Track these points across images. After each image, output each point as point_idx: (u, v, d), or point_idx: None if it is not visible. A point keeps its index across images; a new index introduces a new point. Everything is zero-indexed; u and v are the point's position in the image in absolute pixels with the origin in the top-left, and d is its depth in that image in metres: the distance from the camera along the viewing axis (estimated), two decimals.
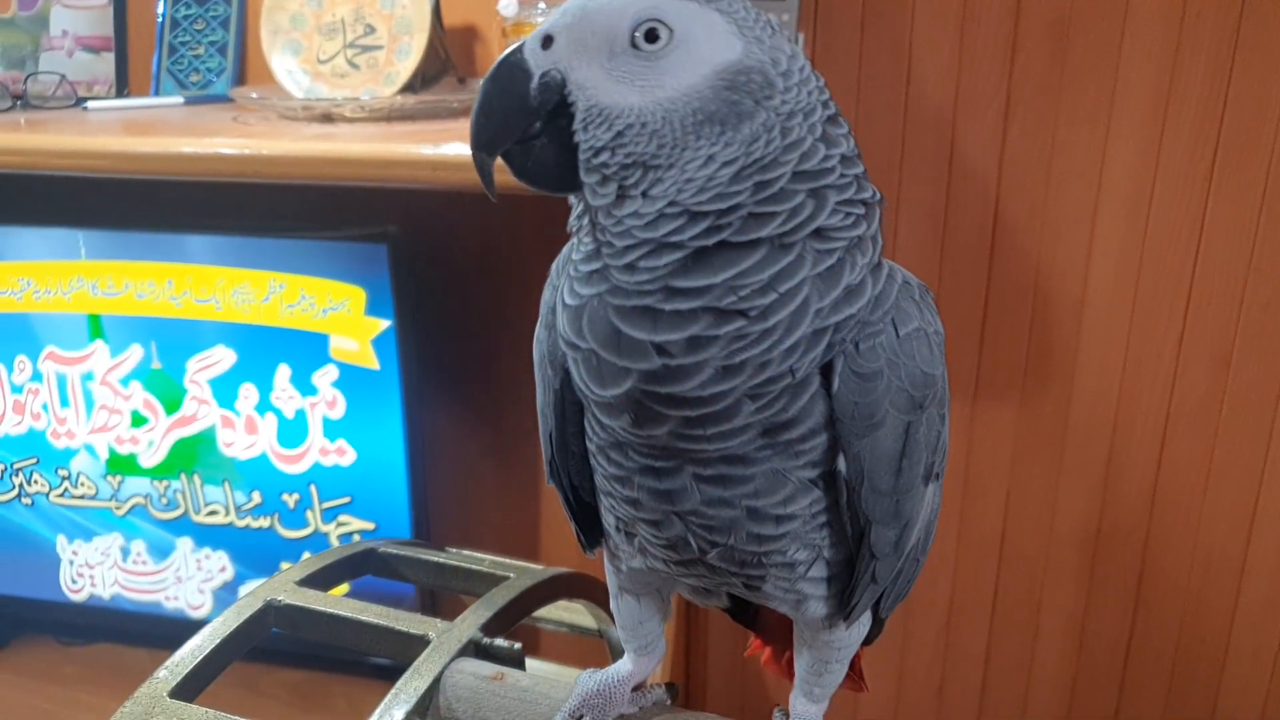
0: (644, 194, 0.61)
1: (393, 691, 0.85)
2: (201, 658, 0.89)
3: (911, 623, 1.68)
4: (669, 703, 0.88)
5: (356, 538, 1.81)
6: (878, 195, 0.66)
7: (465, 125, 1.58)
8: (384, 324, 1.72)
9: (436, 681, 0.87)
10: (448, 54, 1.69)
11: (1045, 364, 1.57)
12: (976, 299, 1.58)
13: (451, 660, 0.88)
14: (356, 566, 1.06)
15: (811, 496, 0.68)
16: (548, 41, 0.61)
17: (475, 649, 0.91)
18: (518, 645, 0.92)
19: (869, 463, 0.66)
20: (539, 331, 0.76)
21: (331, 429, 1.78)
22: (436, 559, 1.07)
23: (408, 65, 1.60)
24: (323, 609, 0.95)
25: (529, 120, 0.61)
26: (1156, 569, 1.59)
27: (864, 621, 0.80)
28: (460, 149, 1.36)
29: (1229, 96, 1.40)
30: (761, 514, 0.68)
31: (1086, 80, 1.45)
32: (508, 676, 0.87)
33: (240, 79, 1.86)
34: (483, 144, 0.62)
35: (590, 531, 0.82)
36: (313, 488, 1.81)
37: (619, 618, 0.86)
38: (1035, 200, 1.52)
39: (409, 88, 1.61)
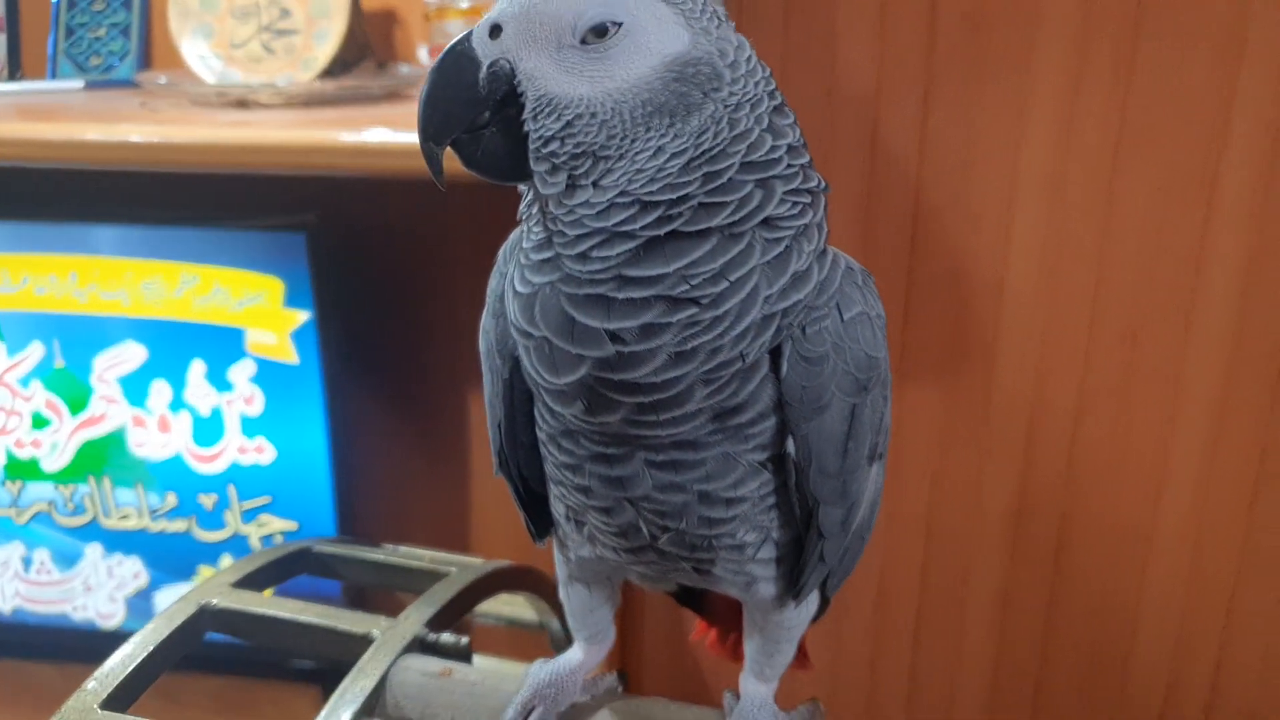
0: (594, 184, 0.61)
1: (338, 691, 0.83)
2: (133, 667, 0.85)
3: (844, 600, 1.71)
4: (619, 690, 0.88)
5: (279, 539, 1.77)
6: (823, 184, 0.68)
7: (386, 111, 1.56)
8: (303, 316, 1.68)
9: (383, 680, 0.85)
10: (366, 38, 1.65)
11: (967, 346, 1.61)
12: (899, 284, 1.61)
13: (397, 658, 0.86)
14: (291, 566, 1.03)
15: (761, 479, 0.69)
16: (495, 31, 0.60)
17: (421, 645, 0.90)
18: (465, 640, 0.91)
19: (816, 444, 0.67)
20: (486, 321, 0.75)
21: (250, 426, 1.73)
22: (374, 557, 1.05)
23: (326, 50, 1.56)
24: (260, 611, 0.92)
25: (478, 110, 0.61)
26: (1073, 541, 1.65)
27: (812, 601, 0.81)
28: (383, 135, 1.34)
29: (1131, 85, 1.45)
30: (712, 497, 0.69)
31: (1002, 70, 1.49)
32: (456, 671, 0.86)
33: (145, 63, 1.79)
34: (431, 134, 0.62)
35: (539, 521, 0.81)
36: (231, 488, 1.76)
37: (569, 606, 0.86)
38: (955, 186, 1.55)
39: (328, 73, 1.57)
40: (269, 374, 1.71)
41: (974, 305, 1.59)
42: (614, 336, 0.61)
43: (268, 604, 0.93)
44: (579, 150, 0.60)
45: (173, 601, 0.93)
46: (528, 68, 0.60)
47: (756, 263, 0.62)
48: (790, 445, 0.67)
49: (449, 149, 0.64)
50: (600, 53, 0.60)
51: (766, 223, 0.63)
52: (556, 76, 0.60)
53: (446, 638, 0.90)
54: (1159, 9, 1.40)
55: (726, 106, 0.62)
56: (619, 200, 0.61)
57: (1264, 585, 1.59)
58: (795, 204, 0.64)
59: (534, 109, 0.60)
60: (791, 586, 0.76)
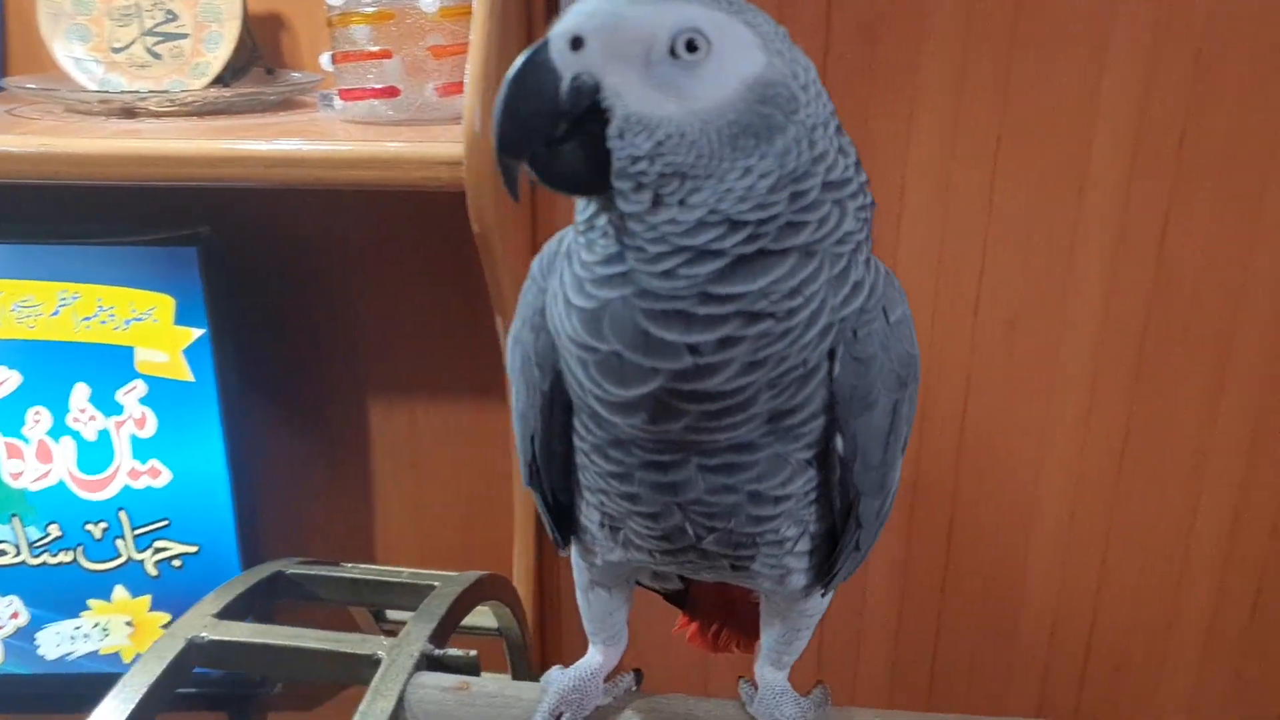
0: (680, 202, 0.61)
1: (358, 716, 0.82)
2: (128, 713, 0.82)
3: None
4: (636, 689, 0.90)
5: (177, 563, 1.69)
6: (872, 199, 0.71)
7: (285, 119, 1.52)
8: (196, 333, 1.61)
9: (401, 699, 0.84)
10: (255, 43, 1.59)
11: None
12: None
13: (410, 676, 0.86)
14: (267, 591, 1.01)
15: (806, 476, 0.72)
16: (577, 43, 0.59)
17: (428, 662, 0.89)
18: (473, 652, 0.91)
19: (863, 440, 0.71)
20: (521, 334, 0.74)
21: (141, 449, 1.64)
22: (350, 575, 1.04)
23: (219, 56, 1.50)
24: (254, 640, 0.89)
25: (558, 124, 0.60)
26: (963, 516, 1.78)
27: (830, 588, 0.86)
28: (297, 145, 1.31)
29: (1009, 90, 1.57)
30: (762, 497, 0.72)
31: (893, 75, 1.59)
32: (472, 685, 0.86)
33: (3, 68, 1.66)
34: (509, 147, 0.60)
35: (564, 531, 0.83)
36: (123, 514, 1.66)
37: (589, 611, 0.88)
38: None
39: (220, 80, 1.51)
40: (161, 393, 1.63)
41: None
42: (692, 349, 0.62)
43: (260, 632, 0.91)
44: (668, 170, 0.60)
45: (157, 640, 0.89)
46: (614, 83, 0.59)
47: (826, 276, 0.65)
48: (839, 442, 0.70)
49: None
50: (689, 70, 0.59)
51: (838, 239, 0.66)
52: (644, 94, 0.60)
53: (454, 652, 0.90)
54: (1031, 21, 1.53)
55: (805, 128, 0.63)
56: (708, 219, 0.61)
57: (1129, 549, 1.77)
58: (859, 220, 0.67)
59: (622, 127, 0.60)
60: (822, 576, 0.80)
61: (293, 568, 1.03)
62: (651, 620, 1.04)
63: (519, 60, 0.60)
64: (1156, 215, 1.59)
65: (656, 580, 0.89)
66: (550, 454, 0.76)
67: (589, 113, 0.60)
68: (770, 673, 0.88)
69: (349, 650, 0.89)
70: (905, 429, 0.76)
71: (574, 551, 0.86)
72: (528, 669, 1.20)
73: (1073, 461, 1.73)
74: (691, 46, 0.59)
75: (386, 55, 1.47)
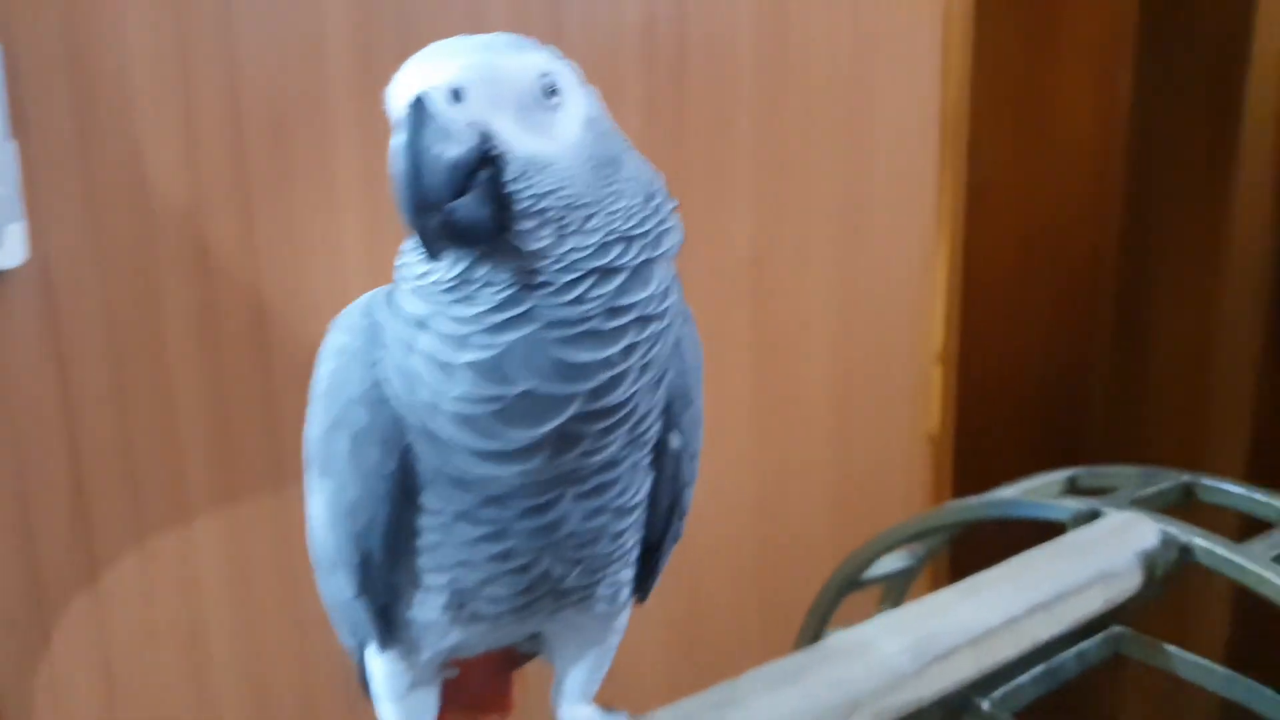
0: (578, 230, 0.65)
1: None
2: None
3: None
4: None
5: None
6: None
7: None
8: None
9: None
10: None
11: None
12: (253, 382, 1.63)
13: None
14: None
15: (649, 480, 0.79)
16: (458, 94, 0.61)
17: None
18: None
19: (689, 433, 0.80)
20: (345, 416, 0.70)
21: None
22: None
23: None
24: None
25: (465, 174, 0.61)
26: None
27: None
28: None
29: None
30: (623, 510, 0.76)
31: (311, 171, 1.63)
32: None
33: None
34: (427, 205, 0.60)
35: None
36: None
37: (411, 717, 0.82)
38: (293, 281, 1.63)
39: None
40: None
41: None
42: (606, 363, 0.67)
43: None
44: (567, 202, 0.64)
45: None
46: (501, 129, 0.62)
47: (670, 275, 0.72)
48: (675, 438, 0.78)
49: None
50: (551, 114, 0.65)
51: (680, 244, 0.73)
52: (527, 137, 0.63)
53: None
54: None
55: (631, 151, 0.70)
56: (607, 239, 0.66)
57: None
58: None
59: (523, 169, 0.62)
60: (643, 581, 0.85)
61: None
62: None
63: (404, 117, 0.60)
64: None
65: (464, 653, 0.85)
66: (389, 545, 0.72)
67: (481, 161, 0.62)
68: (584, 708, 0.88)
69: None
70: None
71: (385, 661, 0.80)
72: None
73: None
74: (552, 90, 0.65)
75: None
